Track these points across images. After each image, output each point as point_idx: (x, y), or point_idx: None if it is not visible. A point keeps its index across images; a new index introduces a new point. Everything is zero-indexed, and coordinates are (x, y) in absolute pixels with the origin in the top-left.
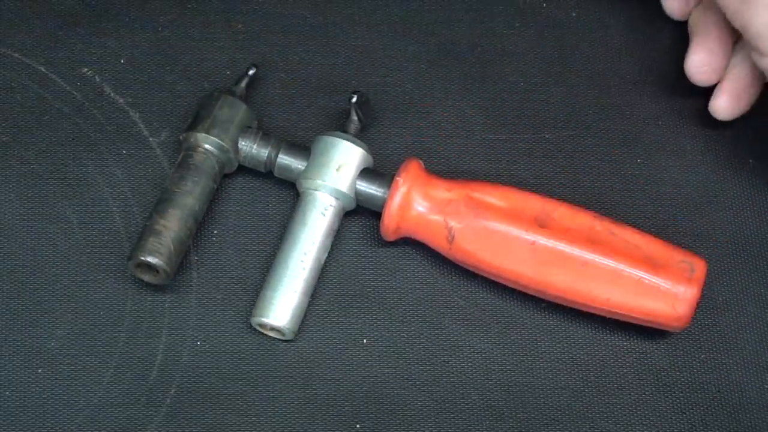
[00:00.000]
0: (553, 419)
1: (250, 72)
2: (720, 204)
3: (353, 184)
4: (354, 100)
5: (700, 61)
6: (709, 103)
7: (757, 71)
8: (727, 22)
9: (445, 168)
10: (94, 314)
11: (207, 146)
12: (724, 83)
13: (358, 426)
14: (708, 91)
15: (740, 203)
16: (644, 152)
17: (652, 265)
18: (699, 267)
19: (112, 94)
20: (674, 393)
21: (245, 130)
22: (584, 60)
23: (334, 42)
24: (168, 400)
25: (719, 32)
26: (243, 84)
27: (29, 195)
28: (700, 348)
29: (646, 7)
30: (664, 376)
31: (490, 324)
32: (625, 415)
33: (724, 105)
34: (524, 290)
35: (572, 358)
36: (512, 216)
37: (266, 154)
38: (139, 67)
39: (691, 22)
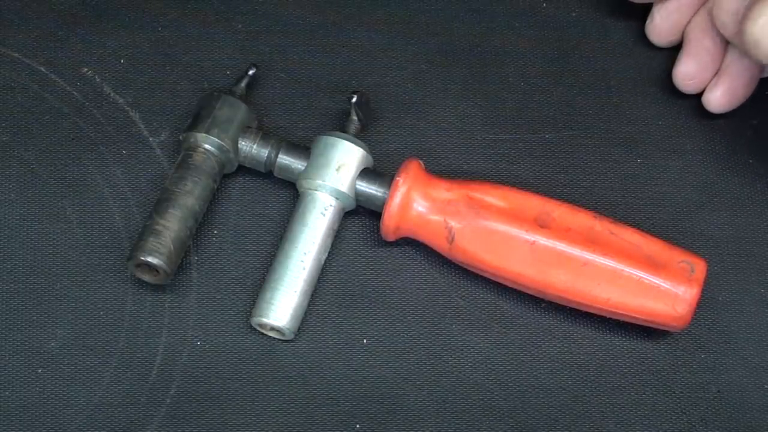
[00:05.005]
0: (553, 419)
1: (250, 72)
2: (720, 204)
3: (353, 184)
4: (354, 100)
5: (688, 73)
6: (703, 96)
7: (754, 69)
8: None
9: (445, 168)
10: (94, 314)
11: (207, 146)
12: (721, 78)
13: (358, 426)
14: None
15: (740, 203)
16: (644, 152)
17: (652, 265)
18: (699, 267)
19: (112, 94)
20: (674, 393)
21: (245, 130)
22: (584, 60)
23: (334, 42)
24: (168, 400)
25: (712, 43)
26: (243, 84)
27: (29, 195)
28: (700, 348)
29: (646, 7)
30: (664, 376)
31: (490, 324)
32: (625, 415)
33: (718, 99)
34: (524, 290)
35: (572, 358)
36: (512, 216)
37: (266, 154)
38: (139, 67)
39: (686, 30)
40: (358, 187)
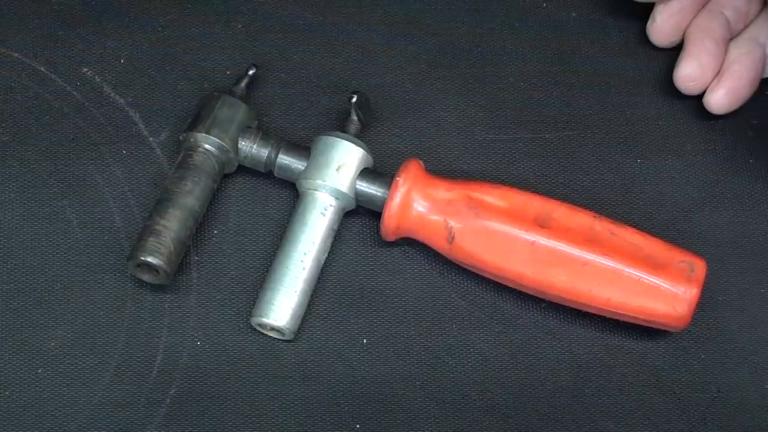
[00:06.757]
0: (553, 419)
1: (250, 72)
2: (720, 204)
3: (353, 184)
4: (354, 100)
5: (690, 75)
6: (704, 97)
7: (755, 69)
8: (723, 34)
9: (445, 168)
10: (94, 314)
11: (207, 146)
12: (723, 79)
13: (358, 426)
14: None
15: (740, 203)
16: (644, 152)
17: (652, 265)
18: (699, 267)
19: (112, 94)
20: (674, 393)
21: (245, 130)
22: (584, 60)
23: (334, 42)
24: (168, 400)
25: (713, 44)
26: (243, 84)
27: (29, 195)
28: (700, 348)
29: (647, 7)
30: (664, 376)
31: (490, 324)
32: (625, 415)
33: (719, 100)
34: (524, 290)
35: (572, 358)
36: (512, 216)
37: (266, 154)
38: (139, 67)
39: (687, 31)
40: (358, 187)
